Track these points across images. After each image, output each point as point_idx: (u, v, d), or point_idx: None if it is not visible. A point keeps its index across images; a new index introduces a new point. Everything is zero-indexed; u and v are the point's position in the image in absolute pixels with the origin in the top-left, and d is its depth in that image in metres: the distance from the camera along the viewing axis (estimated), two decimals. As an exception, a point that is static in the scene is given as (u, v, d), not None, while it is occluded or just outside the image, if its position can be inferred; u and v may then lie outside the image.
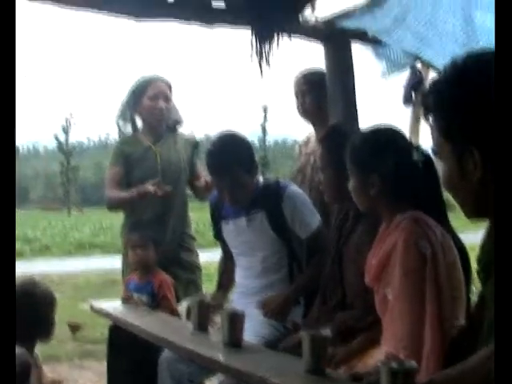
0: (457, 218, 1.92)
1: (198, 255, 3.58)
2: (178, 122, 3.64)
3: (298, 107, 3.36)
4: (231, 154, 2.63)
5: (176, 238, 3.45)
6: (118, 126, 3.64)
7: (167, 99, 3.51)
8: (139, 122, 3.60)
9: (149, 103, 3.46)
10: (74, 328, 5.75)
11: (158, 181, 3.29)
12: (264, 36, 2.89)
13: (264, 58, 2.93)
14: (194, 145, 3.65)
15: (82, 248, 16.99)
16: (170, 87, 3.55)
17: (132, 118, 3.59)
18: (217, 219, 2.92)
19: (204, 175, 3.46)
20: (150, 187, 3.25)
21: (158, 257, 3.14)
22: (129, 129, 3.62)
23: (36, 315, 2.40)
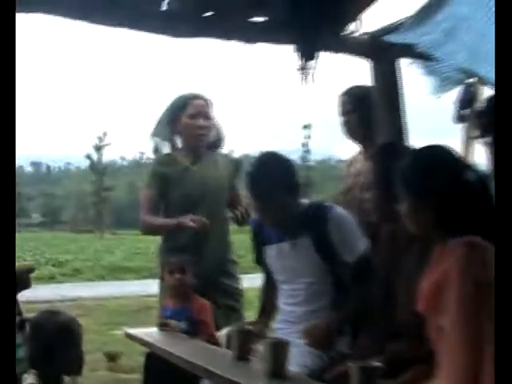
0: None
1: (239, 280, 3.59)
2: (218, 140, 3.68)
3: (343, 126, 3.38)
4: (272, 175, 2.65)
5: (216, 263, 3.46)
6: (155, 145, 3.70)
7: (207, 117, 3.54)
8: (178, 141, 3.64)
9: (188, 122, 3.50)
10: (112, 357, 5.78)
11: (200, 218, 3.30)
12: (308, 52, 2.93)
13: (308, 75, 2.97)
14: (236, 164, 3.68)
15: (116, 272, 17.18)
16: (210, 105, 3.59)
17: (170, 137, 3.63)
18: (258, 244, 2.94)
19: (244, 196, 3.48)
20: (190, 223, 3.26)
21: (196, 282, 3.16)
22: (166, 148, 3.66)
23: (57, 349, 2.31)
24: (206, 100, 3.58)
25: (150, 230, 3.59)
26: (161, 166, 3.57)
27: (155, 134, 3.69)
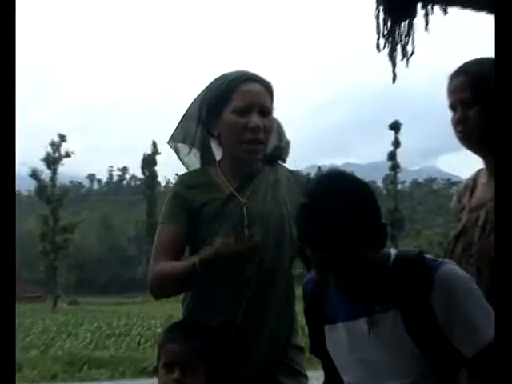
0: None
1: (307, 380, 3.57)
2: (280, 149, 3.66)
3: (455, 125, 3.39)
4: (342, 210, 2.60)
5: (273, 351, 3.43)
6: (178, 156, 3.69)
7: (266, 113, 3.49)
8: (216, 151, 3.63)
9: (234, 119, 3.44)
10: None
11: (241, 236, 3.23)
12: (396, 10, 2.94)
13: (396, 46, 2.98)
14: (306, 188, 3.54)
15: (76, 367, 17.25)
16: (269, 91, 3.56)
17: (204, 144, 3.63)
18: (316, 321, 2.95)
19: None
20: (220, 244, 3.11)
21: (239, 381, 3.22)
22: (195, 162, 3.66)
23: None
24: (264, 84, 3.55)
25: (162, 285, 3.45)
26: (187, 191, 3.54)
27: (179, 137, 3.69)
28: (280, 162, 3.69)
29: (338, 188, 2.69)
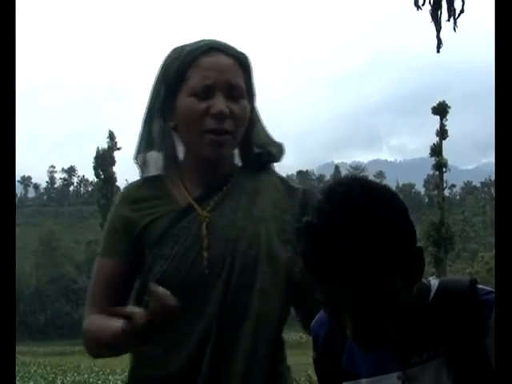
0: None
1: None
2: (264, 145, 3.57)
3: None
4: (361, 234, 2.46)
5: None
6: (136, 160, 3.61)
7: (235, 94, 3.42)
8: (179, 148, 3.53)
9: (191, 104, 3.39)
10: None
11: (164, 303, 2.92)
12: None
13: (444, 3, 3.07)
14: (303, 202, 3.48)
15: None
16: (243, 65, 3.49)
17: (168, 143, 3.51)
18: (330, 376, 2.92)
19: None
20: (140, 318, 2.91)
21: None
22: (150, 165, 3.57)
23: None
24: (234, 55, 3.47)
25: (93, 346, 3.48)
26: (131, 206, 3.52)
27: (144, 143, 3.59)
28: (271, 165, 3.66)
29: (355, 201, 2.55)
